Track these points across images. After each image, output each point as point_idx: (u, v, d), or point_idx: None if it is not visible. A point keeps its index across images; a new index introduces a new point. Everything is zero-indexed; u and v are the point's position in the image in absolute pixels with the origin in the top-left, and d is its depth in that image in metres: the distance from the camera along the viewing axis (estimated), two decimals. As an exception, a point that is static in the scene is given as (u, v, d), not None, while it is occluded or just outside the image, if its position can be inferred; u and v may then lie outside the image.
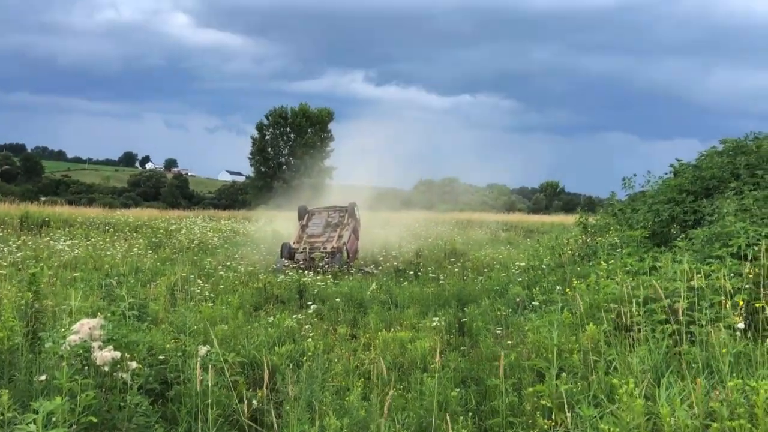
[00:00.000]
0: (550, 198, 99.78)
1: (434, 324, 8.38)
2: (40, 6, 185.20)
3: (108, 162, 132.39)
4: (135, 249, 17.09)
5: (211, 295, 11.73)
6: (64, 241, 17.69)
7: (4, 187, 59.12)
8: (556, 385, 4.62)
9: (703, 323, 5.10)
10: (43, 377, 4.40)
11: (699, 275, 5.58)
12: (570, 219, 46.47)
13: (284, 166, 66.16)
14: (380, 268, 16.41)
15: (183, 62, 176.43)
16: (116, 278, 11.66)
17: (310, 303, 11.13)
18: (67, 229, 23.08)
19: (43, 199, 55.14)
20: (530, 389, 4.91)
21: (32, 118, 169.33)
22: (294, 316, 9.04)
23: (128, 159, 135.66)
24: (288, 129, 66.30)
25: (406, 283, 13.17)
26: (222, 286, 12.20)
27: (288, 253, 16.96)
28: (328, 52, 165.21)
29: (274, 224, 28.62)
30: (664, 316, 5.43)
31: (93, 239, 19.87)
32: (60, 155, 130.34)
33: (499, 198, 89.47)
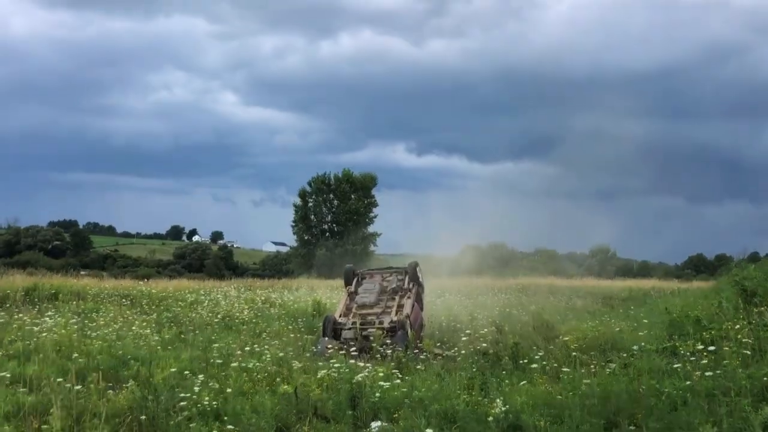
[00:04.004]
0: (603, 263, 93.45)
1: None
2: (97, 90, 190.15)
3: (156, 236, 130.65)
4: (134, 327, 12.72)
5: (214, 404, 7.18)
6: (50, 318, 13.45)
7: (43, 261, 56.55)
8: None
9: None
10: None
11: None
12: (646, 284, 40.80)
13: (327, 233, 62.18)
14: (462, 351, 11.63)
15: (230, 138, 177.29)
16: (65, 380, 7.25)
17: (371, 422, 6.52)
18: (75, 302, 18.97)
19: (83, 272, 52.06)
20: None
21: (85, 195, 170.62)
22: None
23: (176, 233, 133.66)
24: (331, 195, 62.68)
25: (521, 382, 8.31)
26: (230, 390, 7.62)
27: (333, 329, 12.37)
28: (370, 125, 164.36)
29: (317, 293, 24.10)
30: None
31: (95, 314, 15.67)
32: (110, 230, 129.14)
33: (549, 263, 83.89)
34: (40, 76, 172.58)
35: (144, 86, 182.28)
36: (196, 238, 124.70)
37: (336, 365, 8.30)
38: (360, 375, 7.79)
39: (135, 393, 6.77)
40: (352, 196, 62.83)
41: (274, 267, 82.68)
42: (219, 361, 9.22)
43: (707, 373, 7.28)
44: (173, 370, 8.11)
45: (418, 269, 14.60)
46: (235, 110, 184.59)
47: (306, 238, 62.82)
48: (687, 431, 5.85)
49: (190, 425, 6.30)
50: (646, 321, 15.15)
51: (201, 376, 8.26)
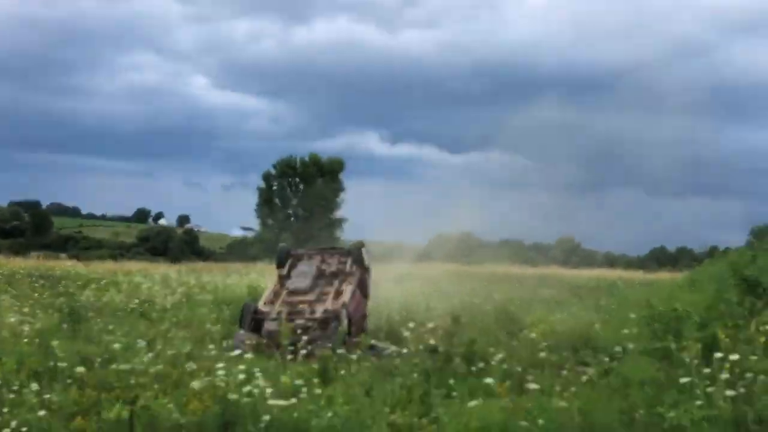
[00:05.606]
0: (568, 254, 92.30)
1: None
2: (66, 70, 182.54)
3: (121, 219, 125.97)
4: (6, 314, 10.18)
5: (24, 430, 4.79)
6: None
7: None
8: None
9: None
10: None
11: None
12: (612, 274, 39.16)
13: (292, 218, 59.57)
14: (405, 348, 9.37)
15: (201, 122, 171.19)
16: None
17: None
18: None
19: (34, 253, 49.15)
20: None
21: (49, 176, 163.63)
22: None
23: (142, 215, 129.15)
24: (297, 179, 59.97)
25: (473, 399, 5.98)
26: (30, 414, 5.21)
27: (251, 320, 9.98)
28: (343, 113, 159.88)
29: (265, 278, 21.63)
30: None
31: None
32: (74, 212, 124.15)
33: (517, 254, 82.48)
34: (6, 54, 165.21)
35: (114, 67, 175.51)
36: (162, 222, 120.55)
37: (220, 372, 5.92)
38: (247, 387, 5.44)
39: None
40: (319, 181, 60.28)
41: (240, 251, 79.72)
42: (63, 363, 6.74)
43: (727, 392, 5.12)
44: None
45: (364, 251, 12.29)
46: (206, 94, 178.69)
47: (270, 222, 60.19)
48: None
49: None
50: (622, 314, 13.12)
51: (34, 386, 5.86)
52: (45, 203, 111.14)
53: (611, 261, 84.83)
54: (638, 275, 38.52)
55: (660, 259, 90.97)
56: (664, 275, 37.47)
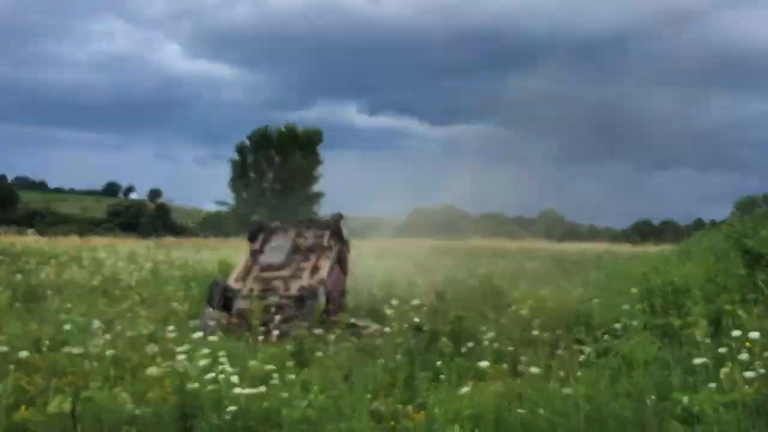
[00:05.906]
0: (551, 227, 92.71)
1: None
2: (31, 37, 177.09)
3: (91, 192, 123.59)
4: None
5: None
6: None
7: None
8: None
9: None
10: None
11: None
12: (598, 247, 39.21)
13: (268, 192, 58.69)
14: (387, 327, 8.92)
15: (173, 92, 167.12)
16: None
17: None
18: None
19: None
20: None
21: (16, 148, 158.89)
22: None
23: (112, 189, 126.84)
24: (273, 151, 58.95)
25: (462, 385, 5.53)
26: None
27: (221, 298, 9.46)
28: (321, 82, 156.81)
29: (238, 254, 21.07)
30: None
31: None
32: (41, 186, 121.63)
33: (500, 227, 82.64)
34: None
35: (82, 34, 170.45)
36: (133, 196, 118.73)
37: (181, 356, 5.41)
38: (210, 373, 4.94)
39: None
40: (296, 153, 59.36)
41: (214, 227, 78.76)
42: (4, 347, 6.16)
43: (747, 374, 4.73)
44: None
45: (342, 223, 11.76)
46: (179, 62, 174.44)
47: (245, 196, 59.29)
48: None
49: None
50: (614, 288, 12.81)
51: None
52: (10, 177, 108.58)
53: (595, 234, 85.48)
54: (625, 248, 38.59)
55: (644, 232, 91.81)
56: (650, 248, 37.49)
